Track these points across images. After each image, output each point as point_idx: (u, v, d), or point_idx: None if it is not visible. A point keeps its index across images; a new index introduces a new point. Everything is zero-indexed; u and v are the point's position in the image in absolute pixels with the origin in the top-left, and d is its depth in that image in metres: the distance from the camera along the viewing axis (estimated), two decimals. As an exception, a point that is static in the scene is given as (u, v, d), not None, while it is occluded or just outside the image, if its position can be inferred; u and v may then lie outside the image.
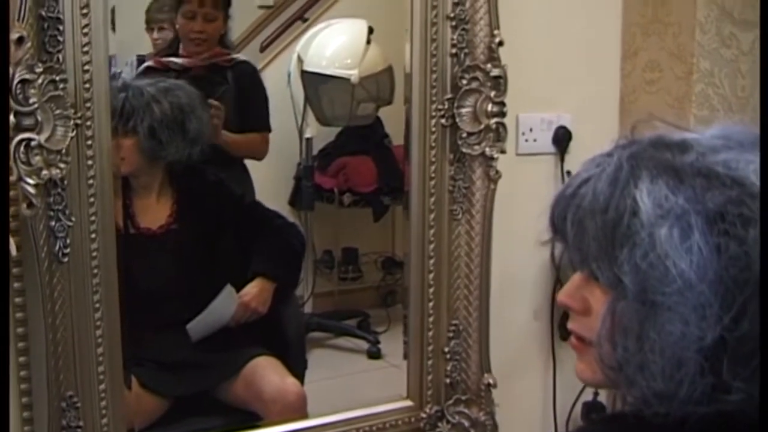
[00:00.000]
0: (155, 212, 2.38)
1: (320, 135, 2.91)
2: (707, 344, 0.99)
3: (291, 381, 2.37)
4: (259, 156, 2.69)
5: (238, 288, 2.44)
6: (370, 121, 2.93)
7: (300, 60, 2.82)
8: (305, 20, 2.99)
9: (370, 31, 2.78)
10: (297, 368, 2.46)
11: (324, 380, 2.67)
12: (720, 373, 1.00)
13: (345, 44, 2.90)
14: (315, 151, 2.91)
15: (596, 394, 2.44)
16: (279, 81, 2.86)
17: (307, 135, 2.85)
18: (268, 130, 2.68)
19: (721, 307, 0.98)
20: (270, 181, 2.93)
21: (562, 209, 1.10)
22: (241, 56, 2.65)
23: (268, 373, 2.38)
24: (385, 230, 2.98)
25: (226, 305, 2.40)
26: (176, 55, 2.51)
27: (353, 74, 2.76)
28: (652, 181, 1.02)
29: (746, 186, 0.99)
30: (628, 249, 1.01)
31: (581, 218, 1.06)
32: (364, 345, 2.92)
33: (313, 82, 2.82)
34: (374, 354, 2.88)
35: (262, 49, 2.99)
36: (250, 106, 2.57)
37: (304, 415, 2.30)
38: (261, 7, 3.02)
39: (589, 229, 1.05)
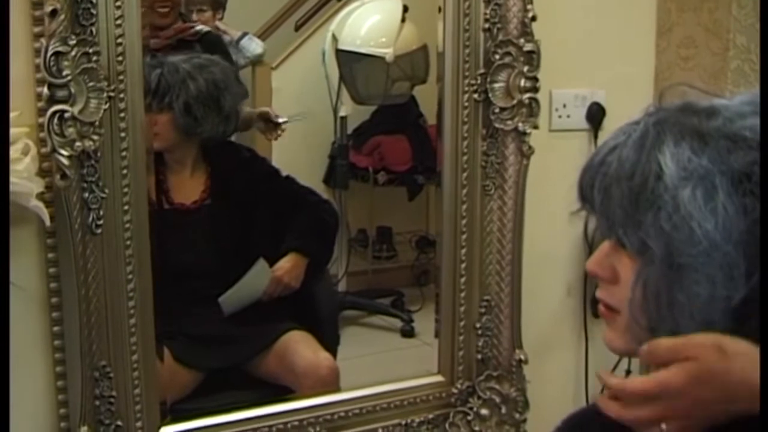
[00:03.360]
0: (189, 188, 2.39)
1: (355, 114, 2.92)
2: (735, 304, 0.99)
3: (324, 355, 2.38)
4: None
5: (271, 263, 2.45)
6: (404, 100, 2.93)
7: (334, 38, 2.82)
8: (340, -1, 2.99)
9: (405, 9, 2.78)
10: (330, 343, 2.47)
11: (357, 357, 2.68)
12: (750, 333, 0.99)
13: (380, 23, 2.90)
14: (350, 130, 2.92)
15: (628, 372, 2.43)
16: (314, 60, 2.87)
17: (342, 113, 2.86)
18: (247, 95, 2.68)
19: (748, 267, 0.98)
20: (304, 159, 2.95)
21: (590, 177, 1.10)
22: (203, 27, 2.60)
23: (300, 347, 2.39)
24: (420, 209, 2.98)
25: (259, 279, 2.42)
26: None
27: (388, 53, 2.76)
28: (676, 144, 1.02)
29: None
30: (653, 213, 1.01)
31: (608, 185, 1.07)
32: (398, 323, 2.93)
33: (348, 60, 2.82)
34: (408, 332, 2.89)
35: (297, 27, 3.00)
36: None
37: (337, 389, 2.31)
38: (297, -15, 3.03)
39: (615, 196, 1.05)
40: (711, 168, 0.99)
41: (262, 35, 2.92)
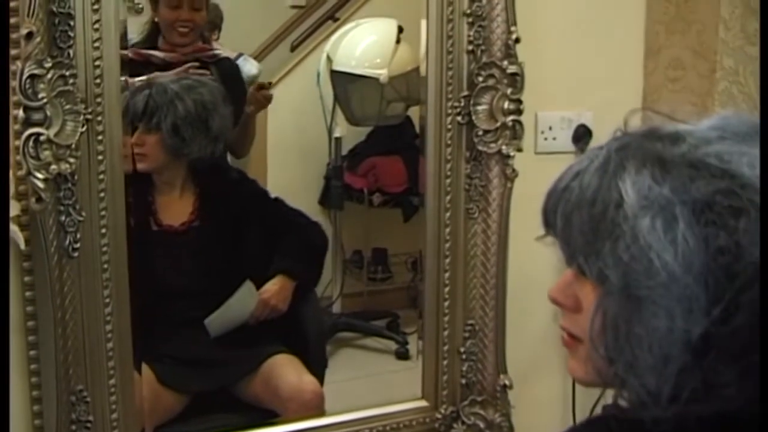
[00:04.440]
0: (178, 209, 2.39)
1: (351, 135, 2.91)
2: (694, 339, 0.96)
3: (308, 379, 2.37)
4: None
5: (260, 286, 2.44)
6: (399, 120, 2.91)
7: (329, 60, 2.82)
8: (336, 20, 2.99)
9: (400, 30, 2.77)
10: (316, 367, 2.45)
11: (351, 380, 2.67)
12: (707, 368, 0.97)
13: (374, 44, 2.89)
14: (345, 151, 2.91)
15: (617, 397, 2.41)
16: (309, 81, 2.87)
17: (336, 135, 2.85)
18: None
19: (708, 300, 0.95)
20: (300, 180, 2.94)
21: (554, 203, 1.09)
22: (223, 52, 2.61)
23: (285, 371, 2.38)
24: (415, 231, 2.95)
25: (246, 301, 2.41)
26: (156, 48, 2.44)
27: (382, 74, 2.75)
28: (638, 171, 0.99)
29: (737, 177, 0.96)
30: (611, 242, 0.99)
31: (569, 212, 1.05)
32: (393, 345, 2.91)
33: (342, 81, 2.82)
34: (402, 355, 2.87)
35: (293, 48, 2.99)
36: (234, 104, 2.51)
37: (322, 413, 2.30)
38: (293, 7, 3.03)
39: (575, 223, 1.04)
40: (672, 198, 0.96)
41: (258, 56, 2.91)
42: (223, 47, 2.72)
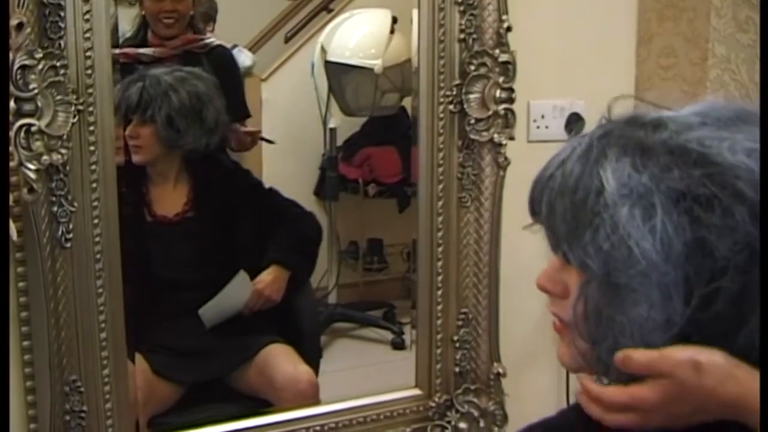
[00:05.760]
0: (172, 200, 2.39)
1: (345, 125, 2.91)
2: (674, 326, 0.97)
3: (303, 369, 2.37)
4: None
5: (254, 276, 2.44)
6: (394, 111, 2.91)
7: (323, 50, 2.81)
8: (330, 11, 2.99)
9: (395, 20, 2.77)
10: (311, 357, 2.46)
11: (348, 370, 2.68)
12: None
13: (369, 34, 2.89)
14: (340, 142, 2.91)
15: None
16: (303, 72, 2.86)
17: (331, 125, 2.85)
18: (249, 115, 2.67)
19: (687, 288, 0.97)
20: (295, 171, 2.94)
21: (539, 191, 1.10)
22: (214, 40, 2.58)
23: (280, 360, 2.38)
24: (410, 221, 2.95)
25: (240, 291, 2.41)
26: (144, 44, 2.42)
27: (377, 64, 2.75)
28: (618, 159, 1.00)
29: (716, 164, 0.97)
30: (592, 230, 1.00)
31: (552, 200, 1.06)
32: (389, 336, 2.91)
33: (337, 72, 2.81)
34: (398, 345, 2.87)
35: (287, 40, 2.99)
36: (230, 94, 2.50)
37: (316, 403, 2.30)
38: (288, -3, 3.03)
39: (559, 211, 1.05)
40: (650, 186, 0.97)
41: (253, 48, 2.91)
42: (218, 39, 2.71)
